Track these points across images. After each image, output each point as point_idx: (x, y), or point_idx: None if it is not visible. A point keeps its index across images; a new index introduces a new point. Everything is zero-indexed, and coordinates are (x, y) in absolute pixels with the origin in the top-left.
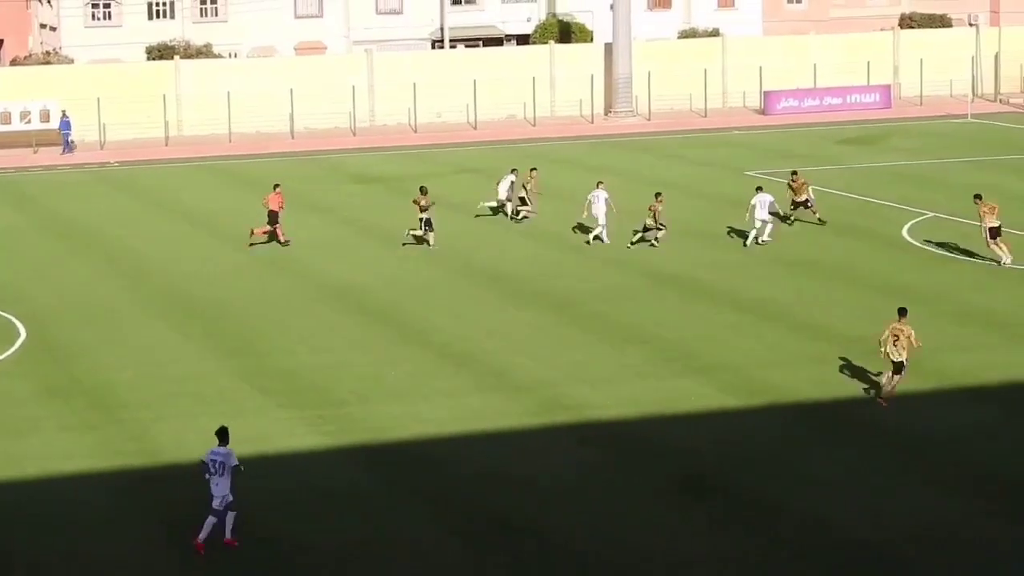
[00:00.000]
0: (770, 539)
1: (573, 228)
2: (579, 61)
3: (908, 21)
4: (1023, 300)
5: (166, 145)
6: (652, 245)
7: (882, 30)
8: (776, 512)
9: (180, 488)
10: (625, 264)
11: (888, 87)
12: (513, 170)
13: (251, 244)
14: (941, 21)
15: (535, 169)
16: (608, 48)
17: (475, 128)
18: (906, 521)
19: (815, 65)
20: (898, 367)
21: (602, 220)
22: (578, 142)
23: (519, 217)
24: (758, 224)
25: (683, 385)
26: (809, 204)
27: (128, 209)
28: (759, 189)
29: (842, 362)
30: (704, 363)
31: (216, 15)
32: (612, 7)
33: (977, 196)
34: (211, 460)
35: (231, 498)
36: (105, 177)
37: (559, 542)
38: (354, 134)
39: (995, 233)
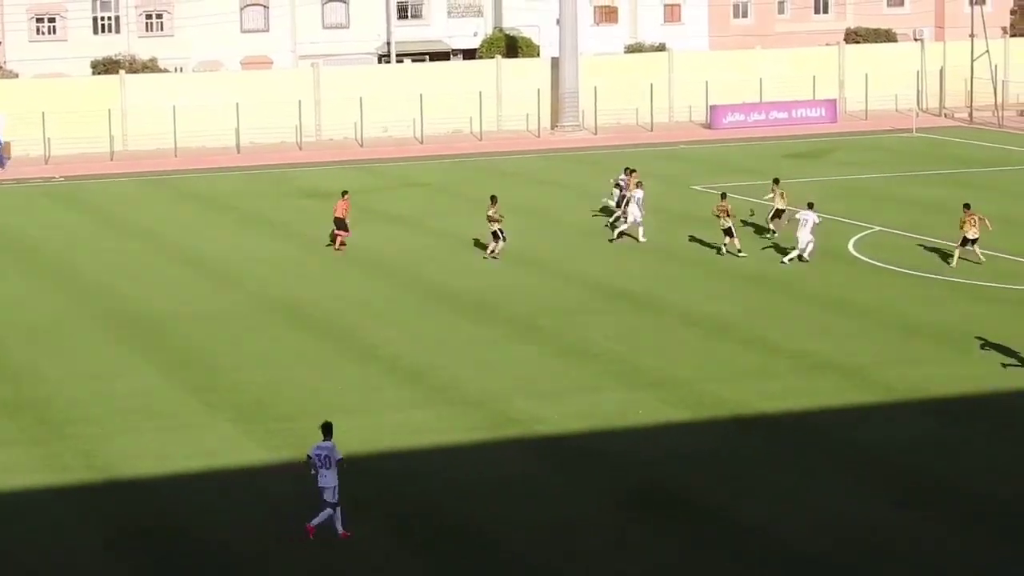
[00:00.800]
0: (718, 551)
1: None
2: (526, 75)
3: (854, 36)
4: (968, 313)
5: (111, 160)
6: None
7: (828, 45)
8: (725, 524)
9: (128, 502)
10: (574, 278)
11: (834, 101)
12: (630, 171)
13: (338, 248)
14: (886, 36)
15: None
16: (555, 62)
17: (421, 142)
18: (853, 532)
19: (761, 79)
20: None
21: (638, 217)
22: (525, 156)
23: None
24: (802, 243)
25: (632, 398)
26: (782, 215)
27: (72, 224)
28: (810, 206)
29: (790, 376)
30: (653, 377)
31: (162, 29)
32: (559, 22)
33: (966, 205)
34: (316, 454)
35: (332, 497)
36: (49, 192)
37: (509, 554)
38: (300, 148)
39: (967, 242)
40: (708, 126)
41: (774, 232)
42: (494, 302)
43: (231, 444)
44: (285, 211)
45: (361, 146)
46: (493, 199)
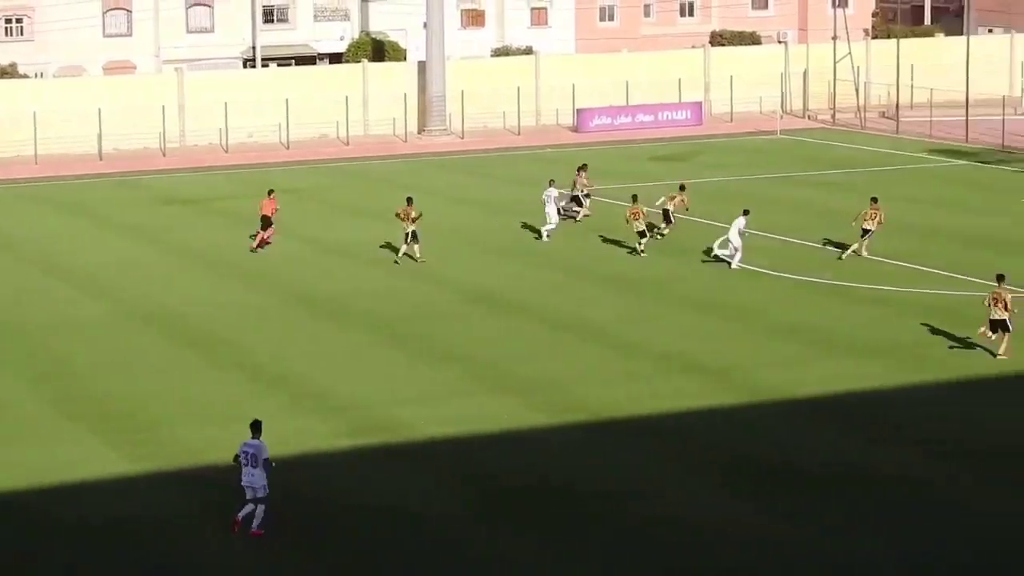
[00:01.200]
0: (582, 551)
1: (382, 246)
2: (392, 80)
3: (718, 39)
4: (834, 313)
5: None
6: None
7: (693, 47)
8: (596, 526)
9: None
10: (441, 283)
11: (699, 104)
12: (551, 181)
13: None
14: (751, 38)
15: (584, 167)
16: (422, 66)
17: (287, 148)
18: (718, 532)
19: (627, 82)
20: (1000, 325)
21: (553, 218)
22: (392, 161)
23: (579, 218)
24: (730, 248)
25: (499, 403)
26: (670, 219)
27: None
28: (745, 212)
29: (657, 378)
30: (520, 381)
31: (22, 34)
32: (425, 25)
33: (874, 199)
34: (244, 452)
35: (262, 493)
36: None
37: (373, 561)
38: (164, 155)
39: (864, 233)
40: (575, 129)
41: (661, 235)
42: (362, 307)
43: (94, 455)
44: (149, 218)
45: (226, 152)
46: (409, 201)
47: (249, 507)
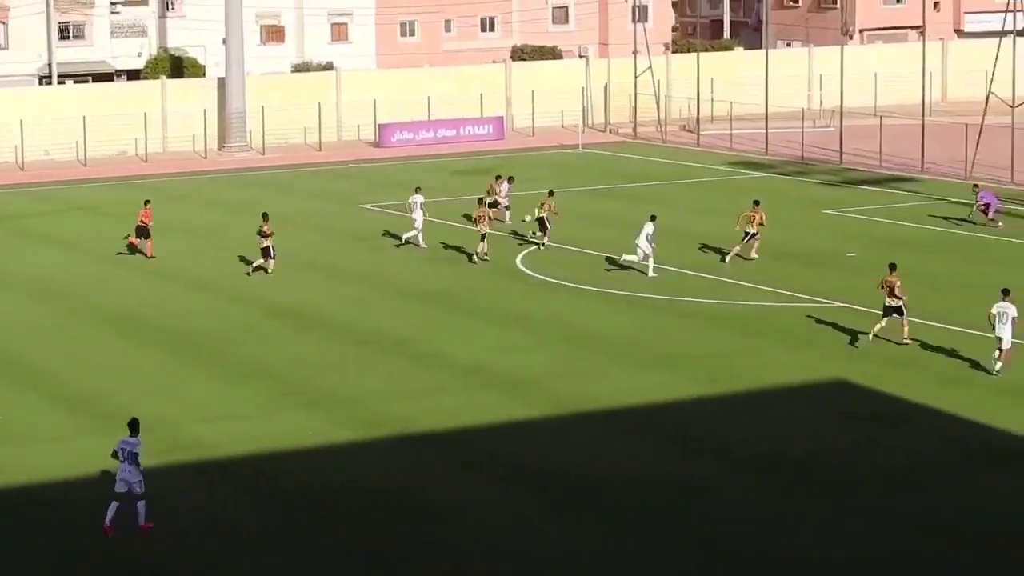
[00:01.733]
0: (391, 570)
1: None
2: (192, 96)
3: (520, 53)
4: (635, 324)
5: None
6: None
7: (494, 62)
8: (402, 543)
9: None
10: (244, 299)
11: (501, 118)
12: (417, 189)
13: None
14: (552, 53)
15: (552, 193)
16: (221, 83)
17: (85, 165)
18: (518, 545)
19: (429, 98)
20: (896, 310)
21: (418, 224)
22: (192, 177)
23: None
24: (640, 254)
25: (303, 419)
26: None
27: None
28: (652, 218)
29: (461, 392)
30: (323, 396)
31: None
32: (224, 41)
33: (756, 201)
34: (120, 448)
35: (139, 489)
36: None
37: None
38: None
39: (747, 236)
40: (377, 144)
41: (543, 246)
42: (163, 325)
43: None
44: None
45: (22, 169)
46: (265, 216)
47: (114, 506)
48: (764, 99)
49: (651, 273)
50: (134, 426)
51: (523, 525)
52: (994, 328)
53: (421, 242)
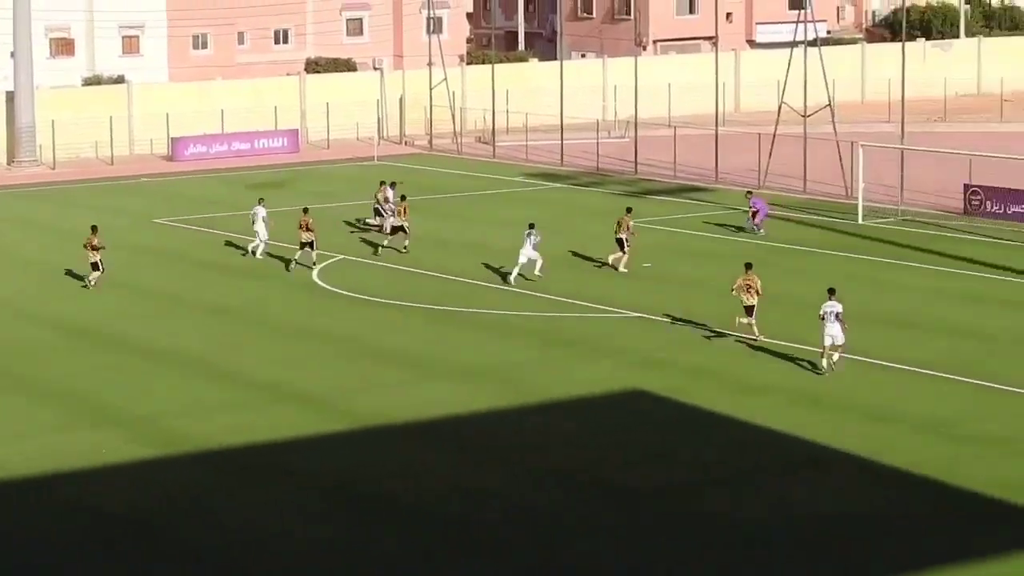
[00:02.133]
0: None
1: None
2: None
3: (314, 66)
4: (431, 338)
5: None
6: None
7: (288, 75)
8: (196, 562)
9: None
10: (36, 317)
11: (296, 131)
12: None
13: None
14: (346, 65)
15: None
16: (10, 96)
17: None
18: (321, 564)
19: (223, 111)
20: (749, 310)
21: (263, 235)
22: None
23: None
24: (523, 260)
25: (98, 438)
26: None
27: None
28: (531, 226)
29: (257, 408)
30: (119, 415)
31: None
32: (12, 55)
33: (628, 209)
34: None
35: None
36: None
37: None
38: None
39: (621, 246)
40: (170, 158)
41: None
42: None
43: None
44: None
45: None
46: (94, 229)
47: None
48: (559, 110)
49: (537, 271)
50: None
51: (319, 541)
52: (822, 327)
53: (259, 253)
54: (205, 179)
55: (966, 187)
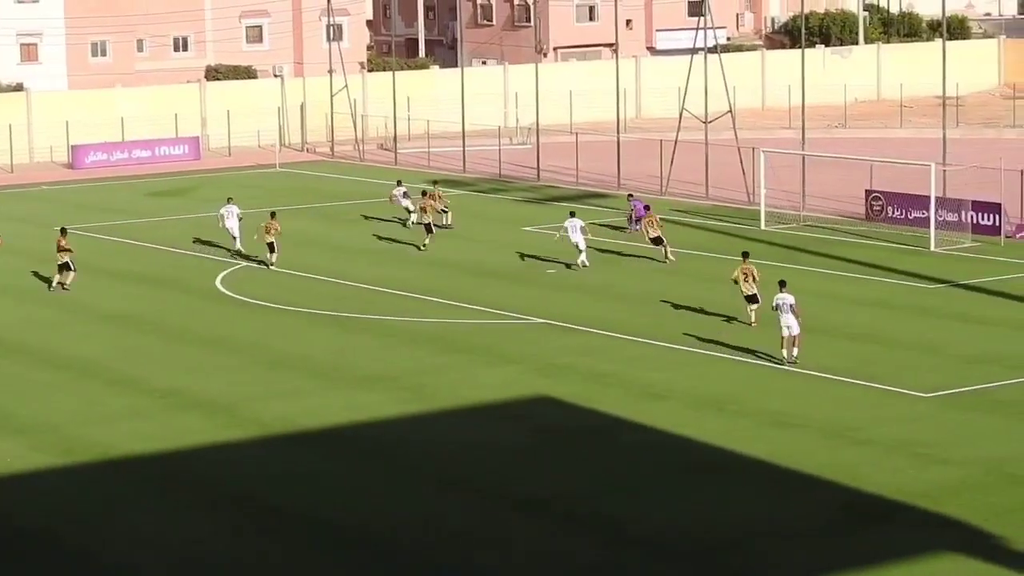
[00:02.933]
0: None
1: None
2: None
3: (214, 73)
4: (337, 344)
5: None
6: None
7: (188, 82)
8: (114, 569)
9: None
10: None
11: (197, 139)
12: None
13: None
14: (247, 73)
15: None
16: None
17: None
18: (218, 571)
19: (123, 118)
20: (752, 298)
21: (235, 233)
22: None
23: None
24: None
25: (2, 446)
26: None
27: None
28: (572, 214)
29: (161, 415)
30: (21, 423)
31: None
32: None
33: (646, 206)
34: None
35: None
36: None
37: None
38: None
39: (658, 241)
40: (71, 166)
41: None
42: None
43: None
44: None
45: None
46: (63, 231)
47: None
48: (461, 117)
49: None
50: None
51: (223, 550)
52: (779, 319)
53: (238, 244)
54: (106, 187)
55: (867, 192)
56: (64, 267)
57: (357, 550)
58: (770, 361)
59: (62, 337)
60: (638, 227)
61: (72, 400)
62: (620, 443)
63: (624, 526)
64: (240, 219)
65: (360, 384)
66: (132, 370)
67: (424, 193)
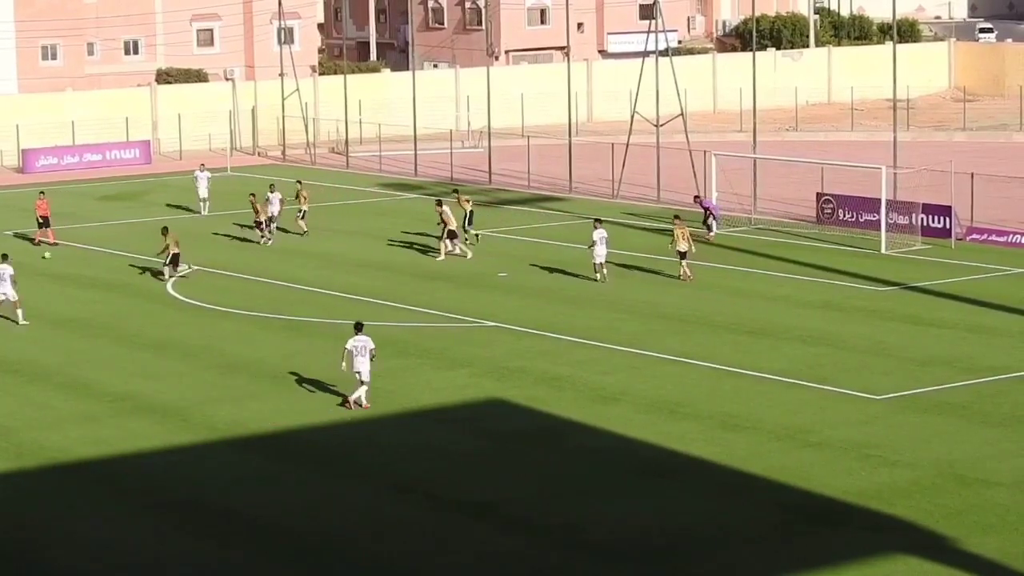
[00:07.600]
0: None
1: None
2: None
3: (165, 76)
4: (287, 348)
5: None
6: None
7: (139, 86)
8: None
9: None
10: None
11: (148, 142)
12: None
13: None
14: (198, 76)
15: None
16: None
17: None
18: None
19: (73, 122)
20: (683, 254)
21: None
22: None
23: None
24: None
25: None
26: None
27: None
28: (598, 222)
29: (111, 420)
30: None
31: None
32: None
33: (676, 216)
34: None
35: None
36: None
37: None
38: None
39: (684, 255)
40: (21, 170)
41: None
42: None
43: None
44: None
45: None
46: (165, 230)
47: None
48: (412, 120)
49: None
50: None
51: (175, 554)
52: (592, 252)
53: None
54: (57, 191)
55: (818, 195)
56: (174, 260)
57: (309, 555)
58: (720, 364)
59: (12, 341)
60: (717, 226)
61: (22, 404)
62: (572, 446)
63: (576, 530)
64: (209, 188)
65: (312, 388)
66: (83, 374)
67: (440, 202)
